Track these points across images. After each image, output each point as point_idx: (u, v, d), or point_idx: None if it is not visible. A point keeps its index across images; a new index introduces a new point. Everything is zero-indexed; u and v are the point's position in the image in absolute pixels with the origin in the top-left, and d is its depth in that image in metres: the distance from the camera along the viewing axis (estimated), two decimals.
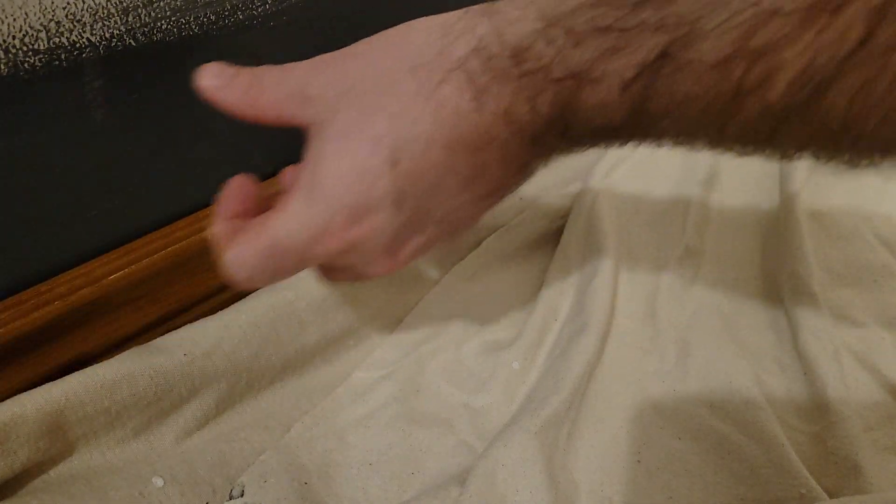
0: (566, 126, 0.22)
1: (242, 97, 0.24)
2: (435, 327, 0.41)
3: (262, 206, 0.26)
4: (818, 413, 0.36)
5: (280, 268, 0.24)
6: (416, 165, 0.22)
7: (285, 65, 0.24)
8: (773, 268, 0.45)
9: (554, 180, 0.50)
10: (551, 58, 0.21)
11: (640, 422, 0.36)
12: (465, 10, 0.23)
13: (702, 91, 0.20)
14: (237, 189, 0.26)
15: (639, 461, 0.34)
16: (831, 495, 0.32)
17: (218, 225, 0.25)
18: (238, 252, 0.23)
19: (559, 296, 0.42)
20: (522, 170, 0.25)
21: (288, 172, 0.29)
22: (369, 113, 0.22)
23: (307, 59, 0.35)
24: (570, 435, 0.35)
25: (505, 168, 0.24)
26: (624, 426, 0.36)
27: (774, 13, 0.18)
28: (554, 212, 0.47)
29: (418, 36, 0.23)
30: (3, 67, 0.25)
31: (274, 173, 0.38)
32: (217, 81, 0.24)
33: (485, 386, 0.37)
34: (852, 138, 0.20)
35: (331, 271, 0.28)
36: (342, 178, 0.22)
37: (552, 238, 0.47)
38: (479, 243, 0.45)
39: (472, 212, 0.25)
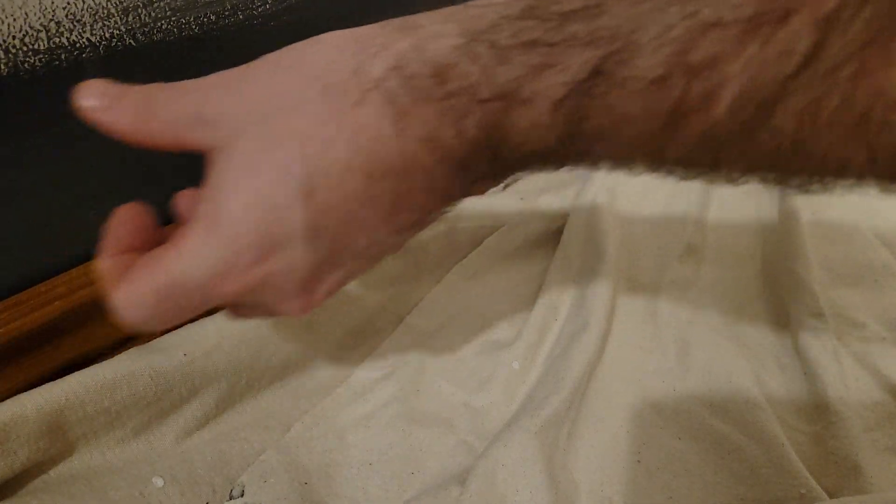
0: (496, 151, 0.21)
1: (132, 120, 0.21)
2: (435, 327, 0.41)
3: (157, 238, 0.23)
4: (818, 413, 0.36)
5: (179, 308, 0.21)
6: (332, 196, 0.20)
7: (180, 82, 0.22)
8: (774, 267, 0.45)
9: (554, 180, 0.50)
10: (476, 77, 0.19)
11: (641, 421, 0.36)
12: (381, 23, 0.21)
13: (639, 111, 0.18)
14: (128, 219, 0.23)
15: (639, 461, 0.34)
16: (831, 495, 0.32)
17: (105, 261, 0.22)
18: (130, 291, 0.21)
19: (559, 295, 0.42)
20: (449, 198, 0.22)
21: (183, 198, 0.26)
22: (277, 138, 0.20)
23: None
24: (570, 435, 0.35)
25: (430, 197, 0.21)
26: (624, 426, 0.36)
27: (713, 25, 0.17)
28: (554, 211, 0.47)
29: (330, 52, 0.20)
30: (3, 67, 0.25)
31: None
32: (100, 102, 0.21)
33: (485, 386, 0.37)
34: (802, 160, 0.18)
35: (238, 309, 0.25)
36: (248, 212, 0.20)
37: (552, 237, 0.47)
38: (479, 243, 0.45)
39: (394, 242, 0.23)
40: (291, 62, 0.21)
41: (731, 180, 0.20)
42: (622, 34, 0.18)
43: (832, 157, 0.18)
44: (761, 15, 0.17)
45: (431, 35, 0.20)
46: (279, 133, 0.20)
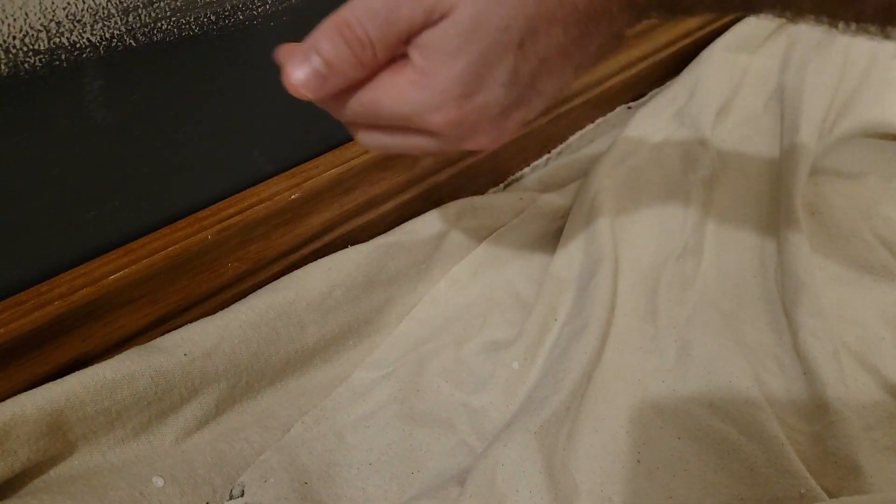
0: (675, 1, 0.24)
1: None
2: (435, 327, 0.41)
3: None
4: (818, 413, 0.36)
5: (381, 126, 0.26)
6: (538, 47, 0.24)
7: None
8: (773, 267, 0.45)
9: (554, 180, 0.50)
10: None
11: (640, 421, 0.36)
12: None
13: None
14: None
15: (638, 461, 0.34)
16: (831, 495, 0.32)
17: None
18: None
19: (559, 296, 0.42)
20: (621, 40, 0.26)
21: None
22: (497, 3, 0.23)
23: None
24: (569, 435, 0.35)
25: (609, 40, 0.25)
26: (624, 426, 0.36)
27: None
28: (554, 211, 0.47)
29: None
30: (3, 68, 0.25)
31: (274, 173, 0.38)
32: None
33: (485, 386, 0.37)
34: None
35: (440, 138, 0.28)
36: (467, 66, 0.23)
37: (552, 238, 0.47)
38: (479, 243, 0.45)
39: (571, 81, 0.27)
40: None
41: (893, 37, 0.22)
42: None
43: None
44: None
45: None
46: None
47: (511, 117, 0.26)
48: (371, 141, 0.28)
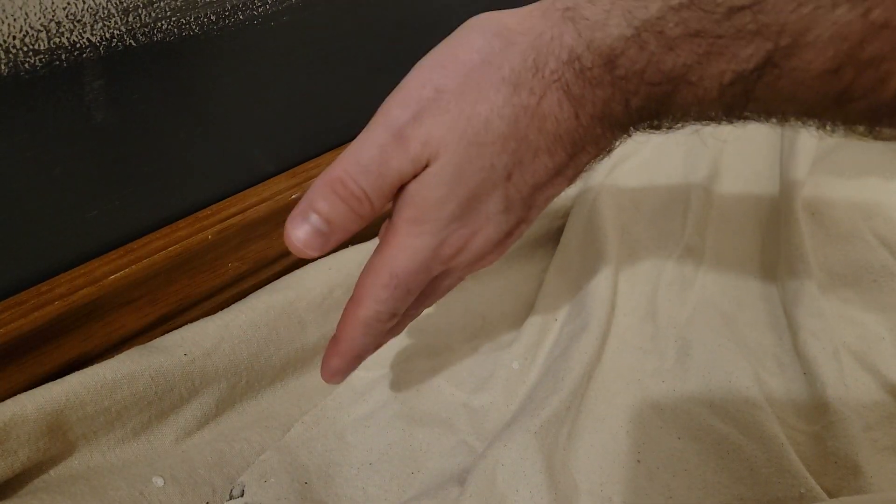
0: (659, 118, 0.23)
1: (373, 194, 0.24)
2: (435, 327, 0.41)
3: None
4: (818, 413, 0.36)
5: (409, 291, 0.26)
6: (524, 176, 0.24)
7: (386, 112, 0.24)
8: (773, 267, 0.45)
9: None
10: (644, 63, 0.21)
11: (640, 421, 0.36)
12: (542, 12, 0.23)
13: (806, 95, 0.20)
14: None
15: (638, 461, 0.34)
16: (831, 495, 0.32)
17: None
18: (366, 296, 0.26)
19: (559, 295, 0.42)
20: (611, 151, 0.26)
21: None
22: (480, 144, 0.23)
23: (309, 60, 0.34)
24: (569, 435, 0.35)
25: (596, 154, 0.26)
26: (624, 426, 0.36)
27: (884, 26, 0.18)
28: (554, 211, 0.47)
29: (504, 47, 0.23)
30: (3, 67, 0.25)
31: (275, 173, 0.38)
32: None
33: (485, 386, 0.37)
34: None
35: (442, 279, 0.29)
36: (455, 205, 0.24)
37: (552, 238, 0.47)
38: None
39: (561, 190, 0.27)
40: (473, 62, 0.23)
41: (882, 138, 0.22)
42: (791, 30, 0.19)
43: None
44: None
45: (597, 24, 0.22)
46: (483, 140, 0.23)
47: (513, 235, 0.27)
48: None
